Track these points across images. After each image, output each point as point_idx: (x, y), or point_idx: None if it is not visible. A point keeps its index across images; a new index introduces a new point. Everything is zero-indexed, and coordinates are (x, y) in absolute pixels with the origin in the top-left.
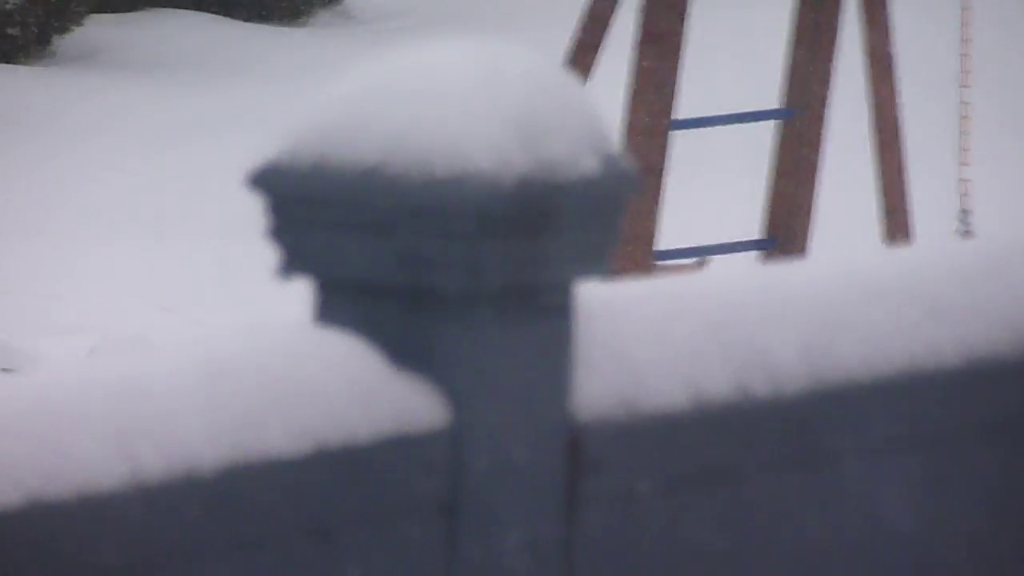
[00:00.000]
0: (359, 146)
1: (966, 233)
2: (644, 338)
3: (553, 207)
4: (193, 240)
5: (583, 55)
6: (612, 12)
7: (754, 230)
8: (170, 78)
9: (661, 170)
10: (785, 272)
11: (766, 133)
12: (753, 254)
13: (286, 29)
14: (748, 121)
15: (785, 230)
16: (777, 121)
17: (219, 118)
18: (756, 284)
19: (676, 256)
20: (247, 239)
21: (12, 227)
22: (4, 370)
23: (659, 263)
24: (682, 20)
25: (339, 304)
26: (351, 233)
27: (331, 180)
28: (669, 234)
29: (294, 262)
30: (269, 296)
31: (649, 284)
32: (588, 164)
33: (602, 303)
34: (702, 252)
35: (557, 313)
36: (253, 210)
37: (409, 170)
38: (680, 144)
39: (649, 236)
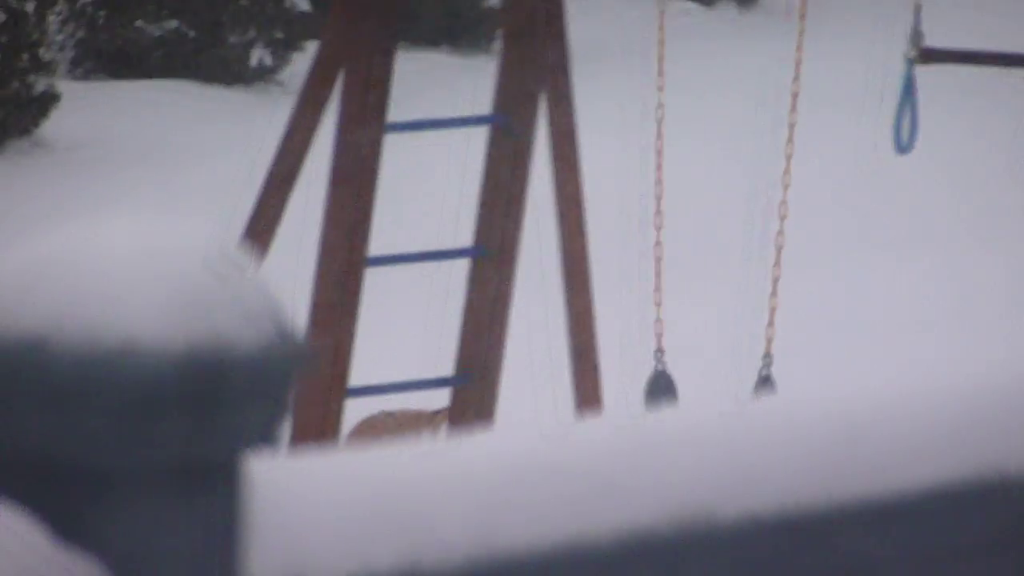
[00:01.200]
0: (20, 318)
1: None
2: (316, 514)
3: (220, 381)
4: None
5: (266, 218)
6: (296, 174)
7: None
8: None
9: (356, 307)
10: (461, 447)
11: (460, 268)
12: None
13: None
14: (442, 259)
15: (478, 367)
16: (469, 258)
17: None
18: (430, 460)
19: (368, 393)
20: None
21: None
22: None
23: (351, 398)
24: (375, 164)
25: (7, 480)
26: (15, 407)
27: None
28: (363, 372)
29: None
30: None
31: (322, 458)
32: (257, 337)
33: (273, 478)
34: (396, 389)
35: (226, 488)
36: None
37: (72, 344)
38: (371, 279)
39: (343, 376)
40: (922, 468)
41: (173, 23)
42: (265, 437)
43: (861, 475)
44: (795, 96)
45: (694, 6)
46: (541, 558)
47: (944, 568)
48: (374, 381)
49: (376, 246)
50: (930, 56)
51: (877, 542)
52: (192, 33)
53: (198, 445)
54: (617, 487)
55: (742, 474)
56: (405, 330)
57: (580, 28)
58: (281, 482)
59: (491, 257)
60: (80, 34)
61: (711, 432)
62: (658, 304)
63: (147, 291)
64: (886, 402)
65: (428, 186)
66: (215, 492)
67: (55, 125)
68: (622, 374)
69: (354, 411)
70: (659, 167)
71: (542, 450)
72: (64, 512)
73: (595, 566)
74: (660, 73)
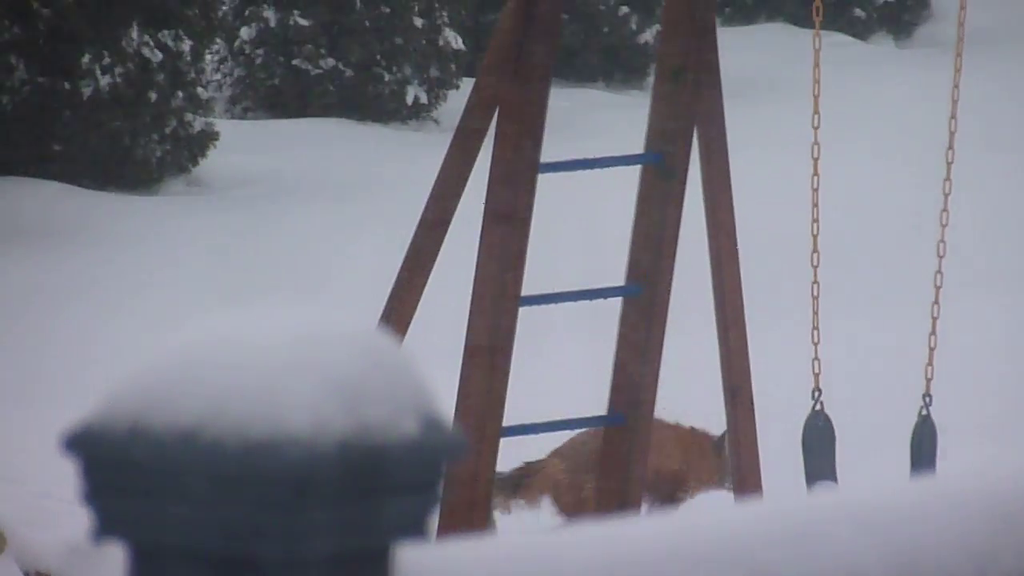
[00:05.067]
0: (175, 411)
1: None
2: None
3: (374, 472)
4: (54, 408)
5: (414, 276)
6: (441, 239)
7: (601, 406)
8: (13, 247)
9: (510, 347)
10: (612, 532)
11: (613, 309)
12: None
13: (135, 197)
14: (594, 298)
15: (631, 406)
16: (623, 297)
17: (62, 286)
18: (583, 545)
19: (522, 432)
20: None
21: None
22: None
23: (504, 437)
24: (530, 203)
25: (155, 570)
26: (167, 499)
27: (146, 445)
28: (515, 410)
29: (109, 526)
30: None
31: (472, 546)
32: (409, 427)
33: (426, 566)
34: (550, 428)
35: None
36: (101, 383)
37: (225, 435)
38: (525, 320)
39: (498, 415)
40: None
41: (330, 61)
42: (417, 526)
43: (1017, 559)
44: (952, 134)
45: (849, 39)
46: None
47: None
48: (528, 420)
49: (530, 286)
50: None
51: None
52: (349, 72)
53: (351, 536)
54: (768, 574)
55: (898, 559)
56: (560, 370)
57: (734, 61)
58: (435, 571)
59: (643, 295)
60: (238, 72)
61: (869, 515)
62: (815, 343)
63: (299, 382)
64: None
65: (583, 224)
66: None
67: (213, 163)
68: (779, 414)
69: (507, 451)
70: (815, 205)
71: (694, 536)
72: None
73: None
74: (815, 111)
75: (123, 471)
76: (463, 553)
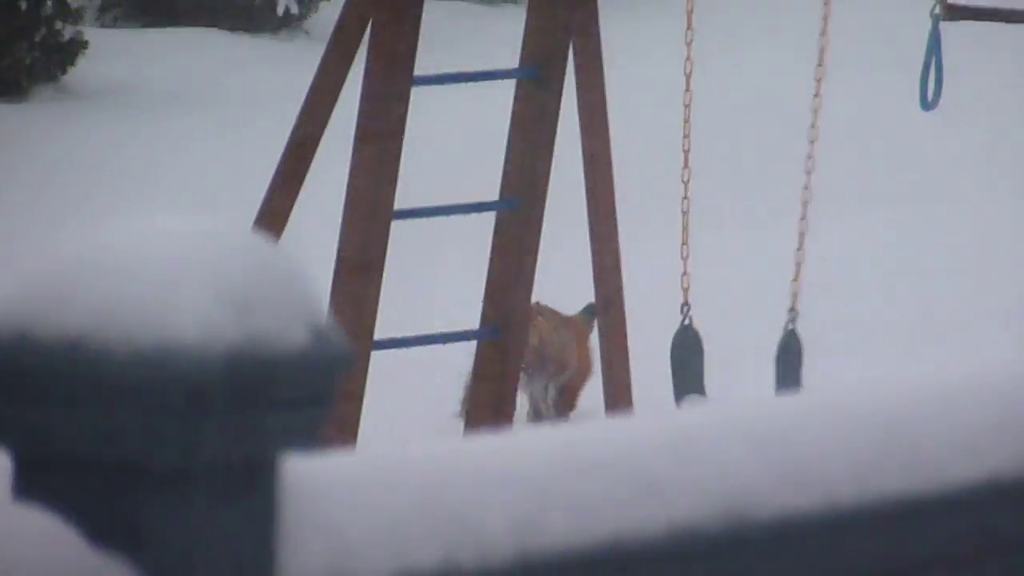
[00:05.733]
0: (62, 319)
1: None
2: (353, 513)
3: (264, 382)
4: None
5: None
6: (318, 140)
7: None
8: None
9: (381, 261)
10: (500, 443)
11: (488, 222)
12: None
13: (3, 105)
14: (468, 212)
15: (504, 319)
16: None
17: None
18: (468, 457)
19: (393, 346)
20: None
21: None
22: None
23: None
24: (402, 118)
25: (41, 481)
26: (54, 408)
27: (32, 353)
28: (390, 325)
29: None
30: None
31: (359, 457)
32: (299, 338)
33: (311, 477)
34: (422, 341)
35: (266, 489)
36: None
37: (113, 344)
38: (400, 234)
39: (369, 329)
40: (963, 463)
41: None
42: (306, 439)
43: (900, 470)
44: (822, 50)
45: None
46: (582, 556)
47: (986, 566)
48: (400, 334)
49: (402, 199)
50: (956, 12)
51: (916, 539)
52: None
53: (240, 447)
54: (658, 483)
55: (781, 469)
56: (432, 284)
57: None
58: (321, 481)
59: (518, 210)
60: None
61: (750, 427)
62: (684, 258)
63: (187, 290)
64: (927, 395)
65: (455, 138)
66: (256, 493)
67: (82, 72)
68: (650, 327)
69: (379, 362)
70: (686, 120)
71: (582, 446)
72: (100, 513)
73: (637, 564)
74: (688, 26)
75: (10, 379)
76: (354, 463)
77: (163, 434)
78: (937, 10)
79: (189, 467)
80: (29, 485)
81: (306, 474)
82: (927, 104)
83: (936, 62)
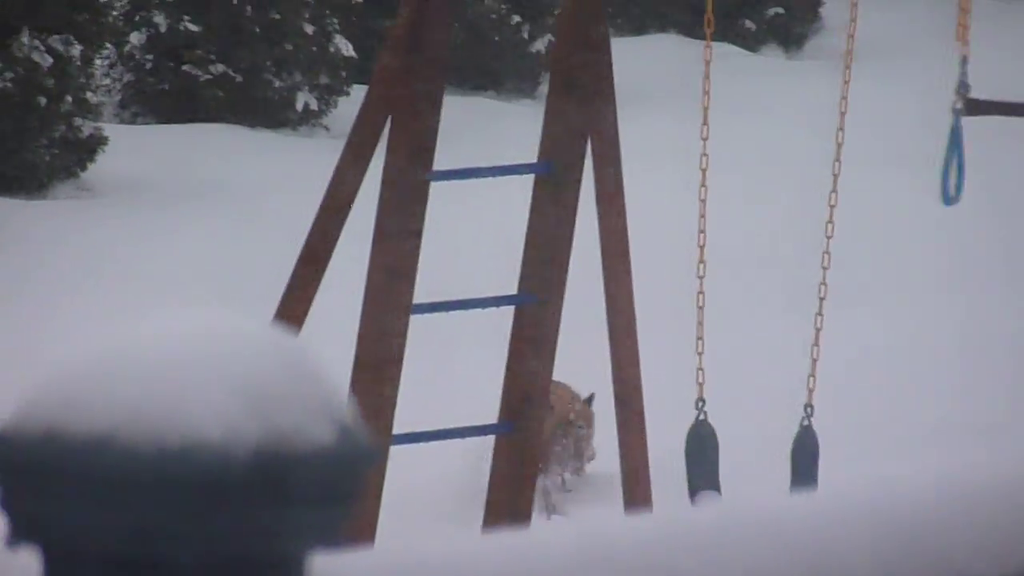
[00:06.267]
0: (89, 417)
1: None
2: None
3: (286, 478)
4: None
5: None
6: (332, 246)
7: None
8: None
9: (400, 356)
10: (518, 540)
11: (507, 317)
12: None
13: (23, 202)
14: (487, 306)
15: (520, 415)
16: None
17: None
18: (487, 554)
19: (411, 440)
20: None
21: None
22: None
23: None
24: (421, 213)
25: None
26: (81, 505)
27: (60, 450)
28: (410, 418)
29: (22, 531)
30: None
31: (380, 555)
32: (323, 435)
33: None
34: (440, 436)
35: None
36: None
37: (138, 441)
38: (417, 328)
39: (388, 425)
40: (987, 564)
41: (220, 67)
42: (329, 536)
43: (925, 571)
44: (840, 146)
45: (739, 50)
46: None
47: None
48: (419, 428)
49: (421, 294)
50: (977, 107)
51: None
52: (239, 77)
53: (263, 542)
54: None
55: (805, 570)
56: (450, 379)
57: (625, 71)
58: None
59: (536, 305)
60: (128, 77)
61: (773, 526)
62: (700, 352)
63: (210, 390)
64: (951, 493)
65: (475, 233)
66: None
67: (101, 168)
68: (667, 422)
69: (397, 457)
70: (702, 215)
71: (601, 543)
72: None
73: None
74: (704, 122)
75: (37, 477)
76: (372, 563)
77: (187, 531)
78: (958, 105)
79: (213, 564)
80: None
81: (330, 572)
82: (949, 199)
83: (957, 158)
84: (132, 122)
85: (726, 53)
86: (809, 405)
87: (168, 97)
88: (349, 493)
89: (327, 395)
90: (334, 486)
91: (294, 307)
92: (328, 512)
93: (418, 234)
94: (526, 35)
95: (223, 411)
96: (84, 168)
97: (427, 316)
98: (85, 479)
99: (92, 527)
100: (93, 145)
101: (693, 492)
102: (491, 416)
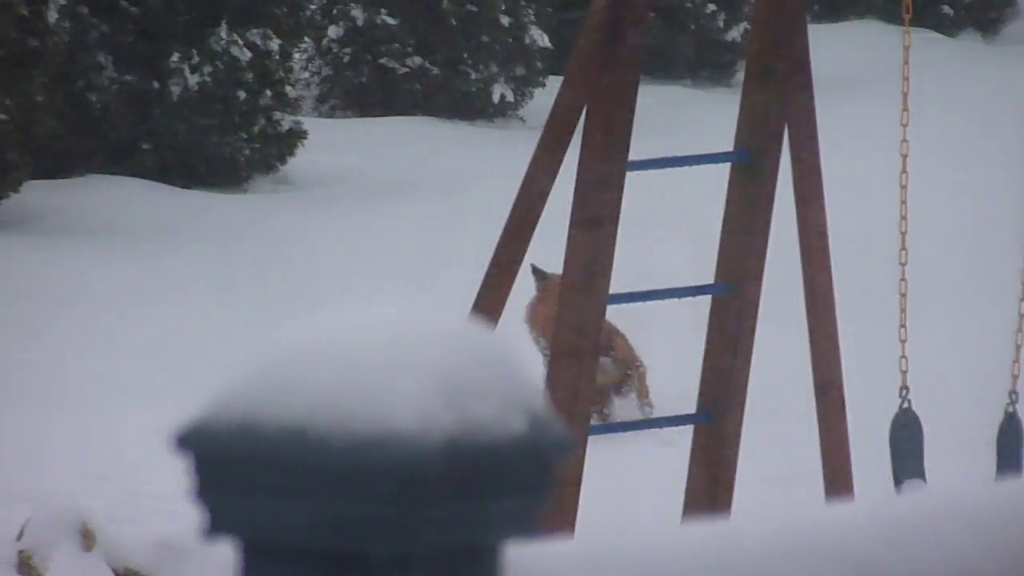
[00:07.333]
0: (284, 408)
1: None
2: None
3: (480, 469)
4: (142, 407)
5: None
6: (528, 238)
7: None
8: (112, 243)
9: (596, 346)
10: (717, 531)
11: (704, 305)
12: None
13: (223, 195)
14: (683, 296)
15: (721, 405)
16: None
17: (165, 284)
18: (686, 545)
19: (608, 431)
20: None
21: None
22: None
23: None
24: (617, 203)
25: (264, 567)
26: (276, 495)
27: (256, 442)
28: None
29: (219, 523)
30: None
31: (579, 545)
32: (517, 425)
33: (532, 566)
34: (637, 427)
35: None
36: (202, 377)
37: (333, 432)
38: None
39: (585, 415)
40: None
41: (417, 60)
42: (525, 527)
43: None
44: None
45: (937, 36)
46: None
47: None
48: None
49: (617, 285)
50: None
51: None
52: (435, 70)
53: (459, 534)
54: (878, 571)
55: (1006, 557)
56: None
57: (823, 58)
58: (542, 570)
59: (734, 294)
60: (326, 71)
61: (973, 512)
62: (903, 340)
63: (405, 379)
64: None
65: (671, 222)
66: None
67: (300, 162)
68: (869, 411)
69: (594, 448)
70: (903, 202)
71: (800, 533)
72: None
73: None
74: (904, 108)
75: (233, 468)
76: (569, 553)
77: (381, 523)
78: None
79: (408, 556)
80: (254, 572)
81: (527, 562)
82: None
83: None
84: (330, 116)
85: (925, 39)
86: (1013, 392)
87: (365, 90)
88: (543, 484)
89: (521, 387)
90: (527, 477)
91: (490, 300)
92: (522, 503)
93: (615, 223)
94: (721, 23)
95: (418, 402)
96: (284, 162)
97: (622, 306)
98: (280, 470)
99: (287, 518)
100: (293, 139)
101: (898, 481)
102: (687, 407)
